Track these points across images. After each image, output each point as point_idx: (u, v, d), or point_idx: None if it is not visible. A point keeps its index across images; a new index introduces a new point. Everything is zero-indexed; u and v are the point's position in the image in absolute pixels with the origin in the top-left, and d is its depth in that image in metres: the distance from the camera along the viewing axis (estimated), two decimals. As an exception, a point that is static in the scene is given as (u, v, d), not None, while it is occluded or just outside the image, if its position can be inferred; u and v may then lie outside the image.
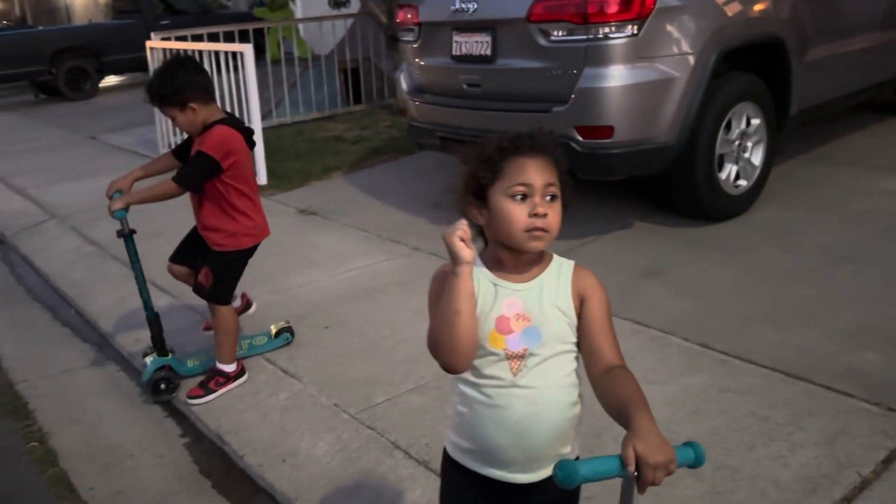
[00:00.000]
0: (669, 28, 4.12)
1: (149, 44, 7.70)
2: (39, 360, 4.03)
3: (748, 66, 4.58)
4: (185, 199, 3.34)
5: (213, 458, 3.08)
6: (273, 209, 5.36)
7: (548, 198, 1.49)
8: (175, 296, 4.22)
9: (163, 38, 7.66)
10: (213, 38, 7.65)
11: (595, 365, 1.49)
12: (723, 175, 4.52)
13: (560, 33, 4.15)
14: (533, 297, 1.52)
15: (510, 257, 1.53)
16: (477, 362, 1.51)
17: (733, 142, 4.56)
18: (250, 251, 3.38)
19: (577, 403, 1.56)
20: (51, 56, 13.32)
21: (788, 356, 3.11)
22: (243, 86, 6.44)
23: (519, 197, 1.48)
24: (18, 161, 8.60)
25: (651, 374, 3.02)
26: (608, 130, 4.09)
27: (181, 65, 3.20)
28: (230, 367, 3.37)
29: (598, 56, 4.06)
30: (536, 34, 4.23)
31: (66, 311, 4.64)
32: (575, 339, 1.53)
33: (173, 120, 3.19)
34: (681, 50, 4.16)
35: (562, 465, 1.25)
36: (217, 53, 6.83)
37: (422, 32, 5.07)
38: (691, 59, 4.16)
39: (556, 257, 1.58)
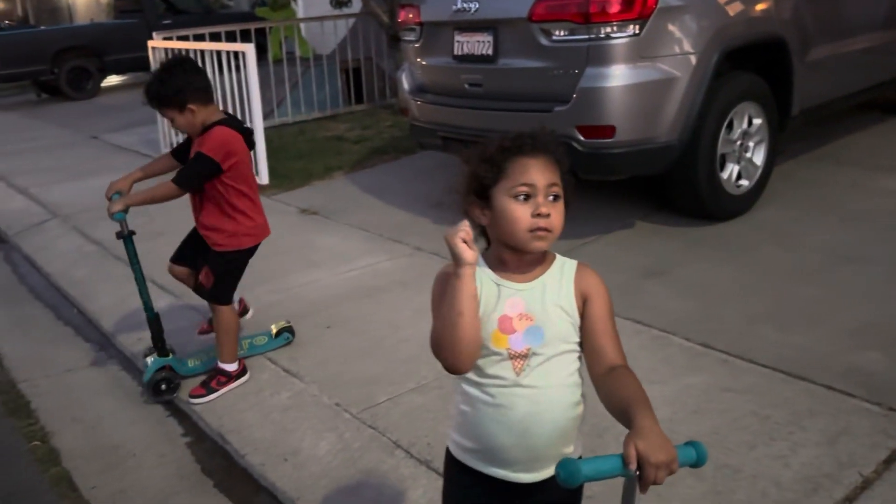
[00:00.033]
0: (671, 28, 4.12)
1: (151, 43, 7.71)
2: (41, 359, 4.03)
3: (750, 65, 4.57)
4: (185, 200, 3.34)
5: (214, 457, 3.08)
6: (274, 209, 5.37)
7: (551, 198, 1.49)
8: (176, 295, 4.22)
9: (165, 38, 7.66)
10: (215, 37, 7.65)
11: (597, 364, 1.50)
12: (724, 175, 4.52)
13: (562, 33, 4.15)
14: (536, 297, 1.52)
15: (513, 257, 1.54)
16: (480, 362, 1.52)
17: (735, 141, 4.55)
18: (251, 251, 3.37)
19: (580, 403, 1.56)
20: (53, 56, 13.34)
21: (790, 356, 3.11)
22: (245, 85, 6.43)
23: (522, 197, 1.48)
24: (20, 160, 8.60)
25: (652, 374, 3.02)
26: (610, 130, 4.09)
27: (179, 66, 3.19)
28: (232, 367, 3.38)
29: (599, 56, 4.05)
30: (538, 34, 4.23)
31: (68, 310, 4.64)
32: (578, 339, 1.53)
33: (172, 121, 3.18)
34: (682, 49, 4.16)
35: (564, 464, 1.25)
36: (219, 53, 6.83)
37: (423, 32, 5.07)
38: (693, 59, 4.16)
39: (558, 257, 1.58)
